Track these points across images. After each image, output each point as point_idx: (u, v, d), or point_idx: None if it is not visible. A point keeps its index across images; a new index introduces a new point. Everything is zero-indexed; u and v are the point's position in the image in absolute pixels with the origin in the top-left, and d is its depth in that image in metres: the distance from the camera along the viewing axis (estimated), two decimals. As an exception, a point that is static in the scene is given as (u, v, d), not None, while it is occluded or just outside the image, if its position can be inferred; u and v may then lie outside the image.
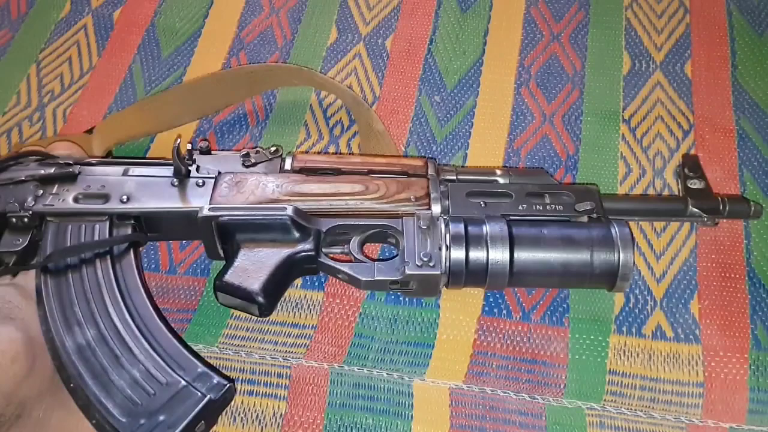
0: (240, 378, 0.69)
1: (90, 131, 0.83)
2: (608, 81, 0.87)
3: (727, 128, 0.82)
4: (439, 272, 0.64)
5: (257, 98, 0.88)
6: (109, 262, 0.64)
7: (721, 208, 0.71)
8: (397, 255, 0.67)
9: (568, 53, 0.89)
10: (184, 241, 0.77)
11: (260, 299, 0.64)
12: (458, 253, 0.64)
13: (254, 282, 0.64)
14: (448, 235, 0.65)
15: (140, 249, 0.71)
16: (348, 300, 0.73)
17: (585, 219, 0.68)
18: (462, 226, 0.65)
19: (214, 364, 0.68)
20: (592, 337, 0.70)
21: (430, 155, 0.82)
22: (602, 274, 0.64)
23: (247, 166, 0.71)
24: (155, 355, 0.60)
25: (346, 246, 0.68)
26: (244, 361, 0.70)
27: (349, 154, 0.83)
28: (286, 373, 0.69)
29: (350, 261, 0.67)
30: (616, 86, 0.86)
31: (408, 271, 0.64)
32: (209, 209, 0.66)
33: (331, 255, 0.68)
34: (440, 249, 0.64)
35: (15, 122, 0.88)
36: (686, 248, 0.75)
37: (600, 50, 0.89)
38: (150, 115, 0.84)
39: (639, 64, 0.88)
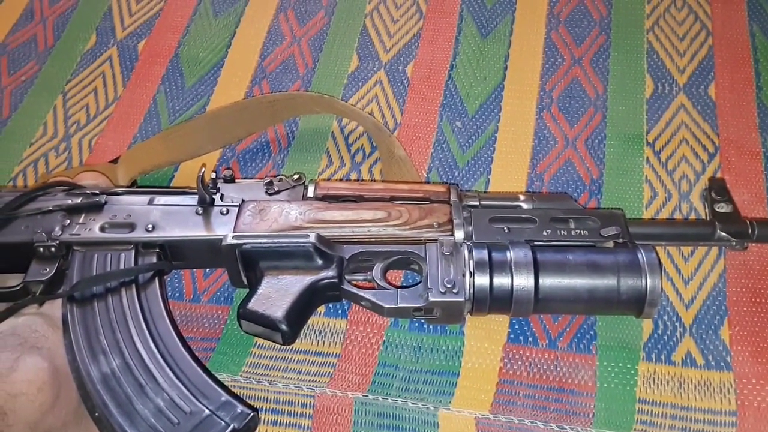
0: (263, 407, 0.68)
1: (115, 161, 0.84)
2: (631, 104, 0.86)
3: (753, 151, 0.81)
4: (462, 299, 0.63)
5: (279, 126, 0.89)
6: (134, 290, 0.64)
7: (750, 231, 0.69)
8: (420, 282, 0.66)
9: (589, 77, 0.89)
10: (207, 270, 0.77)
11: (284, 327, 0.63)
12: (482, 280, 0.63)
13: (277, 309, 0.63)
14: (471, 262, 0.64)
15: (165, 277, 0.71)
16: (372, 327, 0.72)
17: (611, 244, 0.67)
18: (486, 252, 0.65)
19: (238, 394, 0.68)
20: (620, 364, 0.68)
21: (452, 181, 0.82)
22: (629, 300, 0.63)
23: (271, 194, 0.71)
24: (179, 383, 0.59)
25: (369, 273, 0.67)
26: (267, 390, 0.69)
27: (371, 180, 0.83)
28: (310, 402, 0.68)
29: (373, 288, 0.67)
30: (639, 109, 0.86)
31: (431, 298, 0.63)
32: (233, 237, 0.66)
33: (354, 282, 0.67)
34: (464, 275, 0.64)
35: (42, 153, 0.89)
36: (715, 273, 0.73)
37: (622, 73, 0.89)
38: (174, 144, 0.85)
39: (662, 87, 0.87)
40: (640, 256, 0.64)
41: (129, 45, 0.99)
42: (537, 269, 0.63)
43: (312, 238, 0.66)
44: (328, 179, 0.83)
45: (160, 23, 1.00)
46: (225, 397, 0.60)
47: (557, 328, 0.71)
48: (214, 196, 0.70)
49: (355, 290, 0.66)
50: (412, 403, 0.67)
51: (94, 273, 0.65)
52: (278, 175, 0.73)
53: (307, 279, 0.65)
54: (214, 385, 0.60)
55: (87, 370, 0.59)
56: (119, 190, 0.73)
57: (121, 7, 1.03)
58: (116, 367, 0.60)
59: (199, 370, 0.61)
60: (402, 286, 0.67)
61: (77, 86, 0.95)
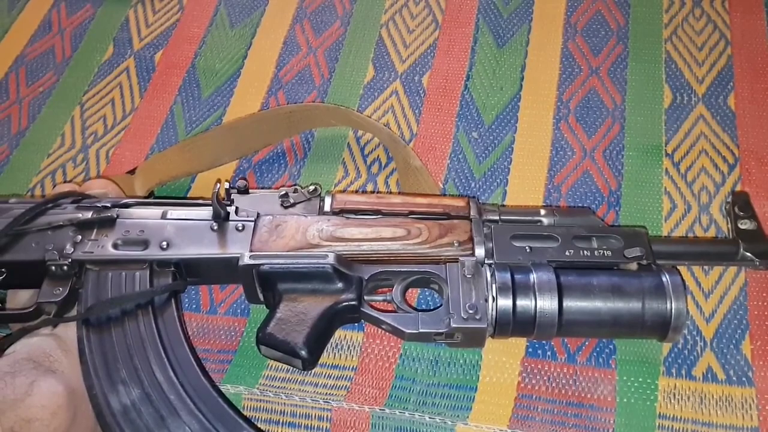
0: (280, 421, 0.68)
1: (132, 172, 0.84)
2: (649, 115, 0.86)
3: (774, 162, 0.80)
4: (485, 326, 0.62)
5: (295, 136, 0.88)
6: (150, 313, 0.63)
7: None
8: (440, 305, 0.65)
9: (607, 87, 0.88)
10: (223, 282, 0.77)
11: (304, 354, 0.62)
12: (505, 305, 0.62)
13: (297, 336, 0.62)
14: (494, 285, 0.63)
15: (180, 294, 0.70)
16: (388, 340, 0.72)
17: (634, 265, 0.66)
18: (508, 275, 0.63)
19: (255, 406, 0.68)
20: (640, 379, 0.68)
21: (468, 192, 0.82)
22: (654, 325, 0.62)
23: (286, 207, 0.70)
24: (200, 416, 0.58)
25: (388, 293, 0.66)
26: (284, 403, 0.69)
27: (389, 193, 0.82)
28: (327, 416, 0.68)
29: (392, 309, 0.66)
30: (657, 120, 0.85)
31: (453, 324, 0.62)
32: (250, 257, 0.65)
33: (373, 303, 0.66)
34: (486, 300, 0.63)
35: (59, 164, 0.90)
36: (735, 286, 0.73)
37: (640, 84, 0.88)
38: (191, 155, 0.85)
39: (680, 97, 0.87)
40: (665, 279, 0.62)
41: (146, 56, 0.99)
42: (561, 294, 0.62)
43: (331, 258, 0.64)
44: (344, 191, 0.83)
45: (177, 34, 1.01)
46: (247, 429, 0.59)
47: (576, 342, 0.70)
48: (228, 211, 0.69)
49: (375, 314, 0.65)
50: (429, 418, 0.67)
51: (109, 294, 0.64)
52: (294, 185, 0.72)
53: (326, 303, 0.64)
54: (236, 417, 0.60)
55: (106, 400, 0.58)
56: (130, 201, 0.71)
57: (138, 18, 1.03)
58: (136, 399, 0.59)
59: (220, 400, 0.60)
60: (422, 310, 0.66)
61: (94, 97, 0.96)
